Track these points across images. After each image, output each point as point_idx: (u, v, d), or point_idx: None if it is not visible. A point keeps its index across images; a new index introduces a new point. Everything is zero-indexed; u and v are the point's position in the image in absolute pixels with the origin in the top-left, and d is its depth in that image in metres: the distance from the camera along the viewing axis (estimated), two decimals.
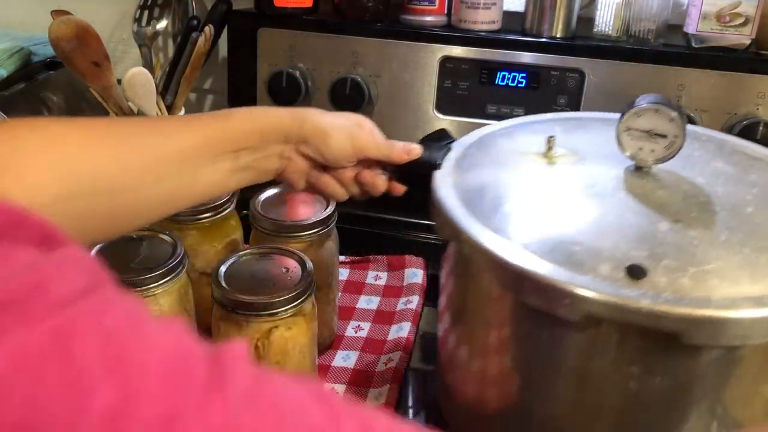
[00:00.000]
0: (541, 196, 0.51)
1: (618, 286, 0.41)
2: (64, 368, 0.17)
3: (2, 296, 0.17)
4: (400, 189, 0.60)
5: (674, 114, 0.49)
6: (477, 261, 0.47)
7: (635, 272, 0.41)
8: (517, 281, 0.43)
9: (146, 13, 0.97)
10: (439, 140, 0.60)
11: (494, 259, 0.44)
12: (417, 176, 0.56)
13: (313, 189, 0.58)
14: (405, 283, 0.79)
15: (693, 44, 0.80)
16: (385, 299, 0.77)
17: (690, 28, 0.79)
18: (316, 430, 0.20)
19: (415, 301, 0.75)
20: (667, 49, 0.81)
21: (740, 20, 0.77)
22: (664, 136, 0.50)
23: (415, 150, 0.57)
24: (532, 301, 0.43)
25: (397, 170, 0.58)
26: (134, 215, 0.47)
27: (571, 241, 0.44)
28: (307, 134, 0.53)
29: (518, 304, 0.46)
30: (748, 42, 0.77)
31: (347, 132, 0.55)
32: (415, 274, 0.80)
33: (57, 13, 0.83)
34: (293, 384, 0.22)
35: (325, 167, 0.57)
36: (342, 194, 0.59)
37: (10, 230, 0.20)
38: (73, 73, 0.83)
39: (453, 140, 0.60)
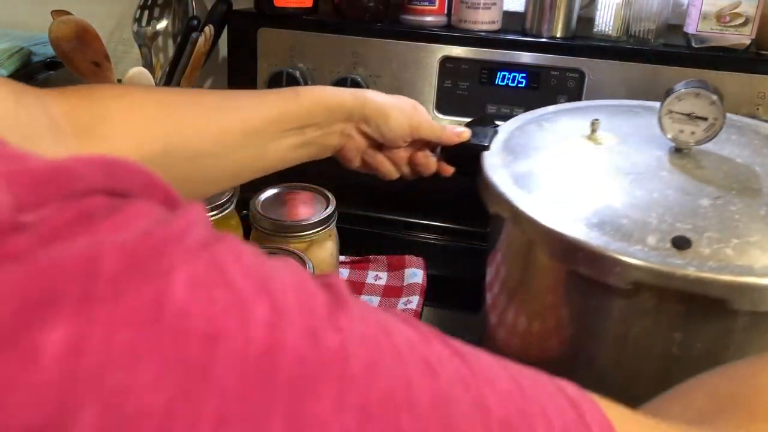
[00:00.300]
0: (587, 174, 0.54)
1: (665, 256, 0.44)
2: (228, 290, 0.20)
3: (162, 238, 0.20)
4: (448, 170, 0.63)
5: (714, 97, 0.52)
6: (530, 235, 0.50)
7: (680, 243, 0.44)
8: (571, 252, 0.46)
9: (146, 13, 0.97)
10: (484, 124, 0.63)
11: (548, 232, 0.47)
12: (465, 158, 0.59)
13: (367, 167, 0.61)
14: (405, 283, 0.79)
15: (693, 44, 0.80)
16: (385, 299, 0.77)
17: (690, 28, 0.79)
18: (413, 342, 0.24)
19: (415, 301, 0.75)
20: (667, 49, 0.81)
21: (740, 20, 0.76)
22: (704, 119, 0.53)
23: (465, 133, 0.61)
24: (584, 271, 0.46)
25: (445, 152, 0.62)
26: (207, 182, 0.50)
27: (619, 215, 0.48)
28: (369, 113, 0.56)
29: (569, 273, 0.49)
30: (748, 42, 0.77)
31: (405, 113, 0.58)
32: (415, 274, 0.80)
33: (57, 13, 0.83)
34: (380, 309, 0.26)
35: (380, 147, 0.60)
36: (394, 173, 0.62)
37: (145, 190, 0.22)
38: (73, 73, 0.83)
39: (498, 125, 0.63)
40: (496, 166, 0.56)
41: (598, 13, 0.83)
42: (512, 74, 0.83)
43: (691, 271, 0.42)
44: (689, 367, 0.46)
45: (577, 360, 0.51)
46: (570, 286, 0.50)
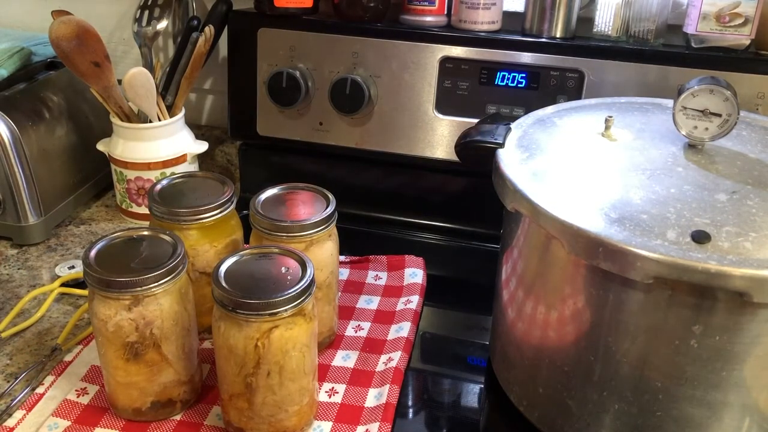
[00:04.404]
0: (604, 170, 0.55)
1: (685, 250, 0.44)
2: None
3: None
4: None
5: (728, 93, 0.54)
6: (550, 230, 0.50)
7: (700, 237, 0.45)
8: (592, 247, 0.47)
9: (146, 13, 0.97)
10: (496, 122, 0.64)
11: (569, 227, 0.48)
12: (479, 156, 0.60)
13: None
14: (405, 283, 0.79)
15: (692, 44, 0.80)
16: (385, 299, 0.77)
17: (689, 28, 0.79)
18: None
19: (415, 301, 0.75)
20: (667, 49, 0.81)
21: (740, 20, 0.77)
22: (718, 115, 0.55)
23: None
24: (605, 266, 0.47)
25: (459, 149, 0.62)
26: None
27: (638, 210, 0.48)
28: None
29: (589, 268, 0.50)
30: (747, 42, 0.78)
31: None
32: (415, 274, 0.80)
33: (57, 13, 0.84)
34: None
35: None
36: None
37: None
38: (73, 73, 0.83)
39: (509, 123, 0.64)
40: (512, 163, 0.57)
41: (597, 13, 0.83)
42: (512, 74, 0.83)
43: (712, 265, 0.43)
44: (708, 360, 0.47)
45: (596, 353, 0.52)
46: (589, 280, 0.50)
